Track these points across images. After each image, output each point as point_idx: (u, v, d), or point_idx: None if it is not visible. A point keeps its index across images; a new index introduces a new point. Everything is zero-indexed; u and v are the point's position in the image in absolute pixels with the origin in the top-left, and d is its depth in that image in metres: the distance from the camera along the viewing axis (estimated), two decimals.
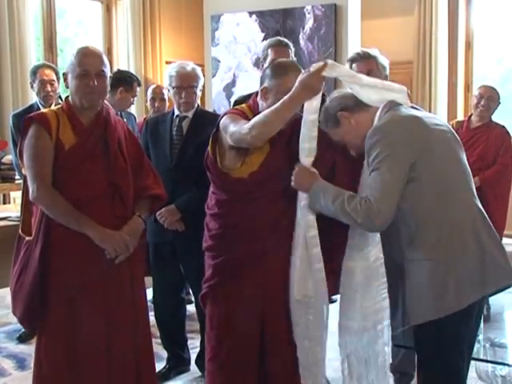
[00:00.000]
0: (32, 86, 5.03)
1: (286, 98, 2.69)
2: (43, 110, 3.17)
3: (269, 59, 3.79)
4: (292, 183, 2.79)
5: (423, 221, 2.55)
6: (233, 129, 2.83)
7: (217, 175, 3.00)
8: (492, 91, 5.56)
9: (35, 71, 4.99)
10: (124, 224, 3.04)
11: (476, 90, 5.74)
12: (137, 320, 3.11)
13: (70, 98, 3.06)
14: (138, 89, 5.48)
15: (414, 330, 2.66)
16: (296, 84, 2.67)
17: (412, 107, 2.76)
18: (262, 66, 3.86)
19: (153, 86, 5.99)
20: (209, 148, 3.00)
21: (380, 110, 2.67)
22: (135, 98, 5.52)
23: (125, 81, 5.44)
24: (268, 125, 2.73)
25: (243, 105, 3.12)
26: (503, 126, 5.62)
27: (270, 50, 3.82)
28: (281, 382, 2.98)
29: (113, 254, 2.97)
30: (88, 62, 2.99)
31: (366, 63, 3.64)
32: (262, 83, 2.94)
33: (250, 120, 2.80)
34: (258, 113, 2.83)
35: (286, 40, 3.90)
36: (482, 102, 5.50)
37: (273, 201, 2.91)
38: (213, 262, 3.03)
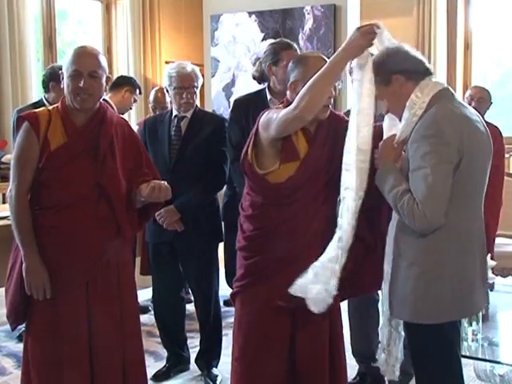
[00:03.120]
0: (47, 86, 4.94)
1: (328, 62, 2.70)
2: (42, 108, 3.14)
3: (283, 63, 3.69)
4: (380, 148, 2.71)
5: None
6: (279, 115, 2.80)
7: (254, 180, 2.95)
8: (483, 92, 5.46)
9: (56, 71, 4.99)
10: (105, 225, 3.00)
11: (468, 90, 5.66)
12: (124, 321, 3.08)
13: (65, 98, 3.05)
14: (138, 96, 5.54)
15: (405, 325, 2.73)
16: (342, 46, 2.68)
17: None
18: (270, 67, 3.81)
19: (155, 90, 5.94)
20: (246, 151, 2.97)
21: (430, 95, 2.58)
22: (134, 104, 5.59)
23: (130, 82, 5.50)
24: (315, 91, 2.69)
25: (279, 104, 3.10)
26: (495, 126, 5.39)
27: (284, 54, 3.74)
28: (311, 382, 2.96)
29: (29, 292, 2.93)
30: (81, 62, 2.95)
31: None
32: (287, 81, 2.97)
33: None
34: None
35: (295, 45, 3.88)
36: (473, 104, 5.38)
37: (307, 204, 2.88)
38: (245, 262, 3.00)
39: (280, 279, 2.83)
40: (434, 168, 2.44)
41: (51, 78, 4.76)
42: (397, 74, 2.62)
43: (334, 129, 2.92)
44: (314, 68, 2.74)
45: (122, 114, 5.38)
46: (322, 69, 2.68)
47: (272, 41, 4.07)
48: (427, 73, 2.65)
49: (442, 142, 2.46)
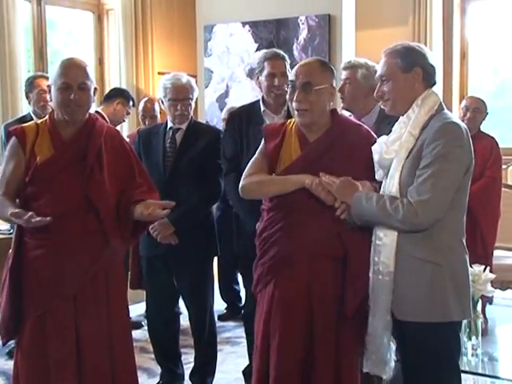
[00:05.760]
0: (28, 97, 5.05)
1: (290, 180, 2.94)
2: (30, 122, 3.19)
3: (265, 72, 3.80)
4: (335, 192, 2.83)
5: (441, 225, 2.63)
6: (250, 162, 3.15)
7: None
8: (478, 102, 5.45)
9: (32, 81, 5.03)
10: (94, 238, 3.02)
11: (463, 101, 5.65)
12: (113, 335, 3.08)
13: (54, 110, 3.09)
14: (131, 108, 5.56)
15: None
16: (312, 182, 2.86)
17: None
18: (258, 78, 3.88)
19: (144, 101, 6.00)
20: None
21: (429, 105, 2.72)
22: (127, 116, 5.60)
23: (123, 94, 5.51)
24: (264, 191, 3.05)
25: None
26: (492, 137, 5.45)
27: (266, 63, 3.81)
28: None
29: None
30: (69, 74, 3.00)
31: (347, 72, 3.68)
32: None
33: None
34: None
35: (282, 52, 3.90)
36: (469, 114, 5.35)
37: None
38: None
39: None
40: (446, 174, 2.57)
41: (27, 89, 4.90)
42: (419, 67, 2.74)
43: (348, 141, 3.01)
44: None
45: (115, 126, 5.40)
46: (283, 182, 2.96)
47: (264, 51, 4.09)
48: (434, 83, 2.79)
49: (459, 144, 2.60)
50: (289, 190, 2.94)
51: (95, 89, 3.12)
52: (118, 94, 5.54)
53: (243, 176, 3.14)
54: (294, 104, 3.01)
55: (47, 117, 3.12)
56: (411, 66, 2.73)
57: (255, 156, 3.18)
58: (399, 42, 2.81)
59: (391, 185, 2.71)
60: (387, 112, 2.86)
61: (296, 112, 3.01)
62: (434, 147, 2.58)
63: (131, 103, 5.55)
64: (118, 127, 5.72)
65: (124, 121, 5.70)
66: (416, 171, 2.62)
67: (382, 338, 2.78)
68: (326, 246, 2.92)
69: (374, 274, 2.77)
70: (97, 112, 5.06)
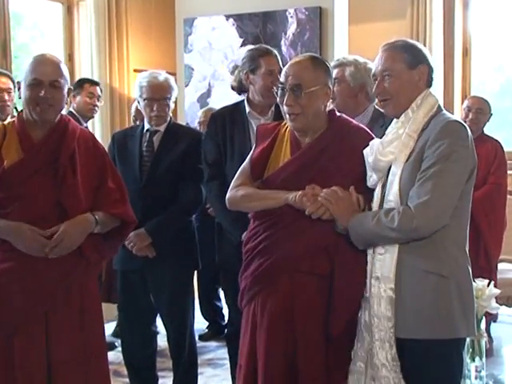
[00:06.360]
0: None
1: (275, 196, 2.96)
2: None
3: (263, 70, 3.80)
4: (332, 210, 2.85)
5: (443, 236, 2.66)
6: (237, 172, 3.17)
7: None
8: (481, 102, 5.49)
9: None
10: (73, 252, 3.02)
11: (465, 101, 5.70)
12: (88, 357, 3.09)
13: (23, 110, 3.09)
14: (96, 88, 5.57)
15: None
16: (296, 197, 2.87)
17: None
18: (248, 77, 3.88)
19: (135, 104, 5.99)
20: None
21: (430, 105, 2.77)
22: (98, 104, 5.61)
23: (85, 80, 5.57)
24: (251, 206, 3.06)
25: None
26: (496, 140, 5.51)
27: (262, 61, 3.82)
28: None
29: (25, 250, 2.94)
30: (41, 70, 3.01)
31: (336, 71, 3.72)
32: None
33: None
34: None
35: (274, 50, 3.93)
36: (471, 115, 5.39)
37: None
38: None
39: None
40: (450, 167, 2.60)
41: None
42: (426, 64, 2.80)
43: (345, 145, 3.02)
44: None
45: (87, 118, 5.56)
46: (267, 198, 2.98)
47: (251, 47, 4.11)
48: (432, 83, 2.86)
49: (465, 144, 2.64)
50: (272, 207, 2.97)
51: (69, 89, 3.13)
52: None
53: (230, 186, 3.16)
54: (284, 108, 3.01)
55: (16, 117, 3.11)
56: (417, 63, 2.78)
57: (245, 163, 3.19)
58: (398, 38, 2.86)
59: (390, 193, 2.73)
60: (387, 113, 2.89)
61: (287, 116, 3.01)
62: (438, 147, 2.60)
63: (88, 84, 5.62)
64: (90, 127, 5.76)
65: (96, 105, 5.69)
66: (417, 175, 2.64)
67: (380, 360, 2.79)
68: (310, 262, 2.93)
69: (373, 290, 2.79)
70: (70, 113, 5.09)
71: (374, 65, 2.88)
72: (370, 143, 2.90)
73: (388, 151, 2.76)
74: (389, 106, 2.83)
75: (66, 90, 3.08)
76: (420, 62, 2.79)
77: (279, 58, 3.92)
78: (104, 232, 3.16)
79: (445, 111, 2.79)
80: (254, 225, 3.08)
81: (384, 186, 2.81)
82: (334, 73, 3.72)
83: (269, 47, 3.95)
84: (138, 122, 5.73)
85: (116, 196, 3.19)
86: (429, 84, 2.83)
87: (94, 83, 5.77)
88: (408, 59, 2.78)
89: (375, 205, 2.84)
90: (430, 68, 2.82)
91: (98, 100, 5.68)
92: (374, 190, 2.89)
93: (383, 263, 2.74)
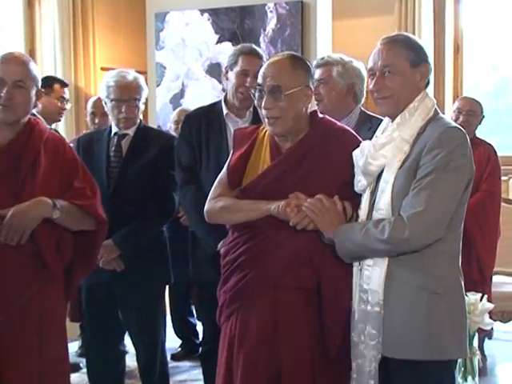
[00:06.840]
0: None
1: (259, 207, 2.94)
2: None
3: (237, 68, 3.80)
4: (317, 221, 2.84)
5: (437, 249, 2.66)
6: (215, 183, 3.15)
7: None
8: (472, 104, 5.50)
9: None
10: (27, 260, 3.01)
11: (455, 102, 5.70)
12: (45, 380, 3.06)
13: None
14: (65, 91, 5.53)
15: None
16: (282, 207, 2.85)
17: None
18: (226, 73, 3.88)
19: (94, 98, 5.98)
20: None
21: (427, 108, 2.77)
22: (67, 107, 5.58)
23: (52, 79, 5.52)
24: (226, 216, 3.05)
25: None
26: (489, 144, 5.52)
27: (240, 58, 3.82)
28: None
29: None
30: (5, 68, 3.00)
31: (321, 71, 3.73)
32: None
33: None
34: None
35: (260, 52, 3.92)
36: (461, 118, 5.37)
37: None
38: None
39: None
40: (447, 176, 2.60)
41: None
42: (427, 63, 2.81)
43: (329, 149, 3.01)
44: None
45: (53, 121, 5.49)
46: (248, 209, 2.96)
47: (242, 45, 4.08)
48: (429, 84, 2.87)
49: (464, 152, 2.64)
50: (254, 219, 2.96)
51: (39, 91, 3.12)
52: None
53: (209, 197, 3.14)
54: (262, 111, 2.98)
55: None
56: (419, 61, 2.78)
57: (222, 171, 3.17)
58: (398, 33, 2.88)
59: (381, 201, 2.72)
60: (382, 112, 2.87)
61: (266, 120, 2.99)
62: (435, 155, 2.59)
63: (58, 84, 5.52)
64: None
65: (64, 108, 5.66)
66: (412, 183, 2.63)
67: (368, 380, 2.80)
68: (294, 276, 2.93)
69: (360, 305, 2.79)
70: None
71: (371, 60, 2.82)
72: (361, 145, 2.88)
73: (380, 154, 2.74)
74: (386, 104, 2.79)
75: (33, 92, 3.07)
76: (422, 60, 2.79)
77: (264, 62, 3.90)
78: (72, 227, 3.13)
79: (442, 115, 2.79)
80: (233, 236, 3.07)
81: (373, 193, 2.80)
82: (320, 73, 3.73)
83: (257, 48, 3.91)
84: (96, 121, 5.72)
85: (84, 192, 3.18)
86: (427, 84, 2.84)
87: (64, 84, 5.70)
88: (411, 56, 2.76)
89: (363, 212, 2.83)
90: (430, 68, 2.83)
91: (67, 103, 5.64)
92: (361, 195, 2.88)
93: (371, 276, 2.74)
